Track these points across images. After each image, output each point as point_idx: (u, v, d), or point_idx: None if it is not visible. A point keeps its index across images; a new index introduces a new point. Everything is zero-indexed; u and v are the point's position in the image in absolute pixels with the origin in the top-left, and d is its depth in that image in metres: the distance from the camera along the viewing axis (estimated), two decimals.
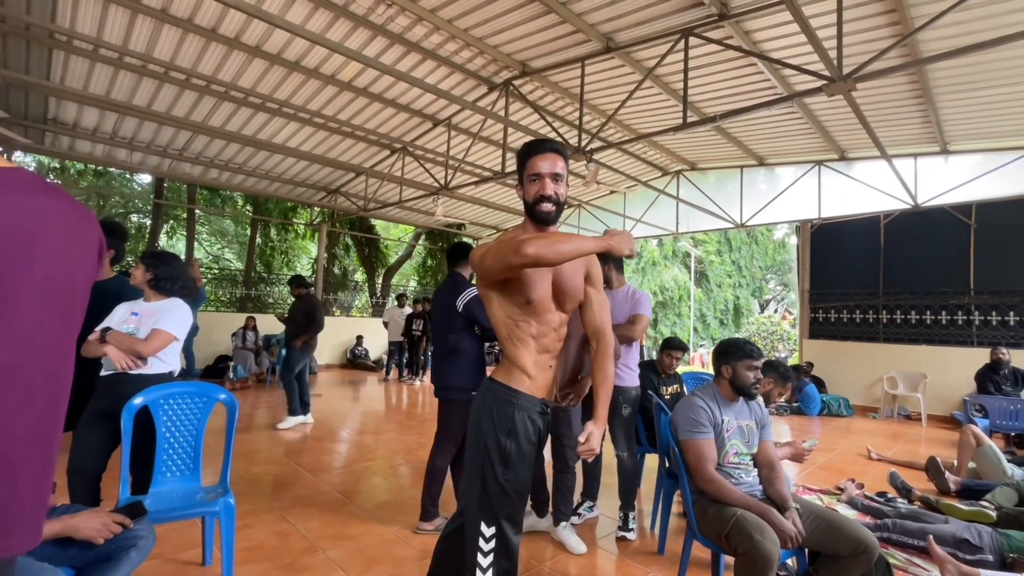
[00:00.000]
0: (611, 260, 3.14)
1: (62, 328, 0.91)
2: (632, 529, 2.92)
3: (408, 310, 9.80)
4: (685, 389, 3.70)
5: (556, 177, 1.55)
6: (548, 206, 1.55)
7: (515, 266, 1.44)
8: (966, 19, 4.13)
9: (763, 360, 2.29)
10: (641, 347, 3.35)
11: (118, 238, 2.70)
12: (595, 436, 1.56)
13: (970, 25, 4.22)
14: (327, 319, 11.60)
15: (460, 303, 2.86)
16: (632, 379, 3.03)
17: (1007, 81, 5.03)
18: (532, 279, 1.53)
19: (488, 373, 1.65)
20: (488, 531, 1.50)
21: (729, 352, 2.24)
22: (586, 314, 1.72)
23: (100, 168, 14.59)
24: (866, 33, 4.50)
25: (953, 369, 7.13)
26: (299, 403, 5.49)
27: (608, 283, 3.13)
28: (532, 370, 1.58)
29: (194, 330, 6.95)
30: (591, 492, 3.24)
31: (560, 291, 1.59)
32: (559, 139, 5.83)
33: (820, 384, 8.02)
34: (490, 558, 1.50)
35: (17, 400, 0.85)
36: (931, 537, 2.58)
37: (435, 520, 2.85)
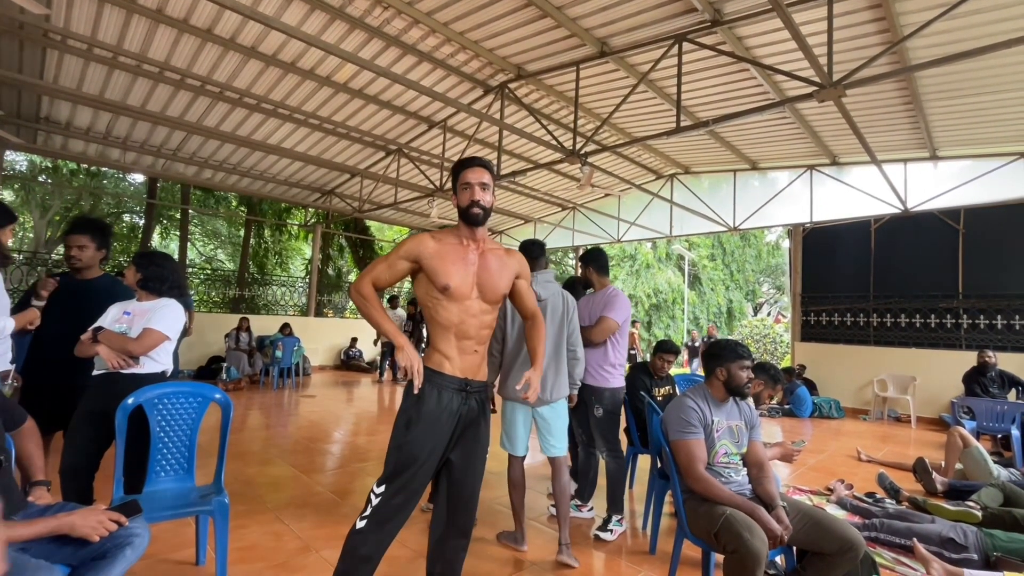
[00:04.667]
0: (591, 263, 3.23)
1: None
2: (611, 531, 2.90)
3: (401, 312, 9.79)
4: (678, 391, 3.73)
5: (484, 186, 1.78)
6: (477, 210, 1.77)
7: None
8: (953, 28, 4.21)
9: (752, 361, 2.33)
10: (631, 351, 3.41)
11: (107, 236, 2.70)
12: (533, 380, 1.88)
13: (957, 33, 4.30)
14: (322, 320, 11.68)
15: None
16: (605, 380, 3.02)
17: (994, 88, 5.12)
18: (437, 270, 1.74)
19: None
20: (379, 489, 1.67)
21: (722, 354, 2.27)
22: (520, 302, 2.00)
23: (93, 168, 14.48)
24: (856, 40, 4.57)
25: (942, 372, 7.21)
26: None
27: (589, 285, 3.31)
28: (453, 353, 1.76)
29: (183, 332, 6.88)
30: (581, 493, 3.26)
31: (481, 284, 1.80)
32: (554, 142, 5.87)
33: (812, 386, 8.08)
34: (368, 511, 1.66)
35: None
36: (915, 540, 2.62)
37: None
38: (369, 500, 1.68)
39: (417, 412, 1.70)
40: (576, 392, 2.93)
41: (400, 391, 8.43)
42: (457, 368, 1.75)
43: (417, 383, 1.69)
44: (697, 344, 11.91)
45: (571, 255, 13.02)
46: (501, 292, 1.86)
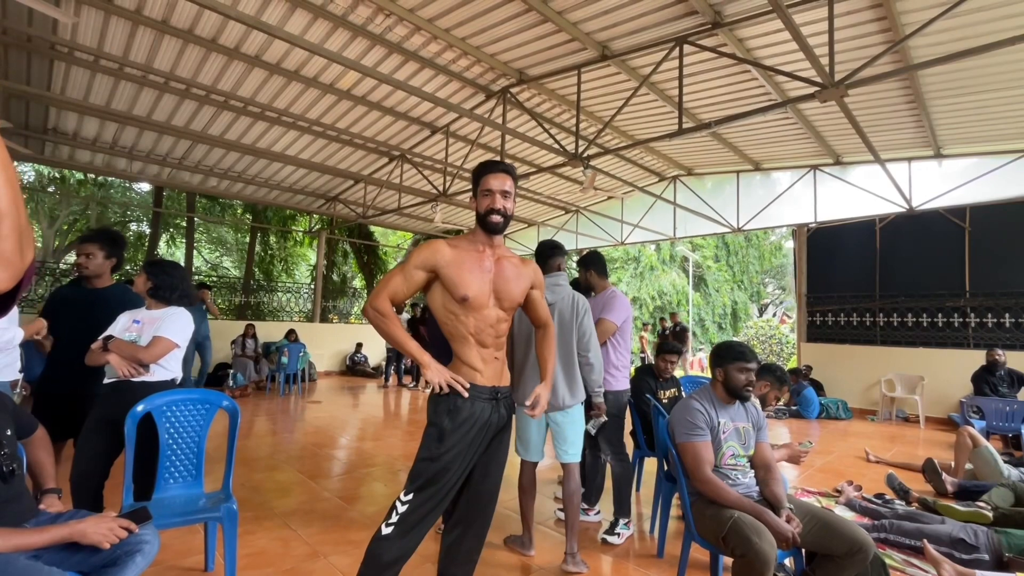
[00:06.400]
0: (591, 266, 3.22)
1: None
2: (618, 534, 2.90)
3: (407, 316, 9.81)
4: (683, 393, 3.72)
5: (505, 194, 1.75)
6: (497, 218, 1.74)
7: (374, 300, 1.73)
8: (955, 26, 4.20)
9: (757, 363, 2.31)
10: (641, 355, 3.41)
11: (118, 246, 2.74)
12: (542, 397, 1.86)
13: (959, 31, 4.29)
14: (327, 326, 11.72)
15: None
16: (607, 383, 3.00)
17: (997, 86, 5.10)
18: (455, 280, 1.70)
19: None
20: (405, 497, 1.67)
21: (720, 354, 2.27)
22: (533, 312, 2.01)
23: (100, 178, 14.62)
24: (857, 40, 4.57)
25: (950, 371, 7.16)
26: None
27: (592, 289, 3.28)
28: (479, 365, 1.75)
29: (205, 340, 6.86)
30: (588, 496, 3.25)
31: (497, 291, 1.78)
32: (556, 145, 5.89)
33: (819, 387, 8.03)
34: (394, 518, 1.65)
35: None
36: (925, 541, 2.60)
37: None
38: (395, 508, 1.67)
39: (452, 423, 1.68)
40: (601, 400, 2.79)
41: (406, 395, 8.48)
42: (487, 378, 1.75)
43: (463, 391, 1.68)
44: (659, 331, 11.48)
45: (574, 257, 13.03)
46: (517, 300, 1.84)
